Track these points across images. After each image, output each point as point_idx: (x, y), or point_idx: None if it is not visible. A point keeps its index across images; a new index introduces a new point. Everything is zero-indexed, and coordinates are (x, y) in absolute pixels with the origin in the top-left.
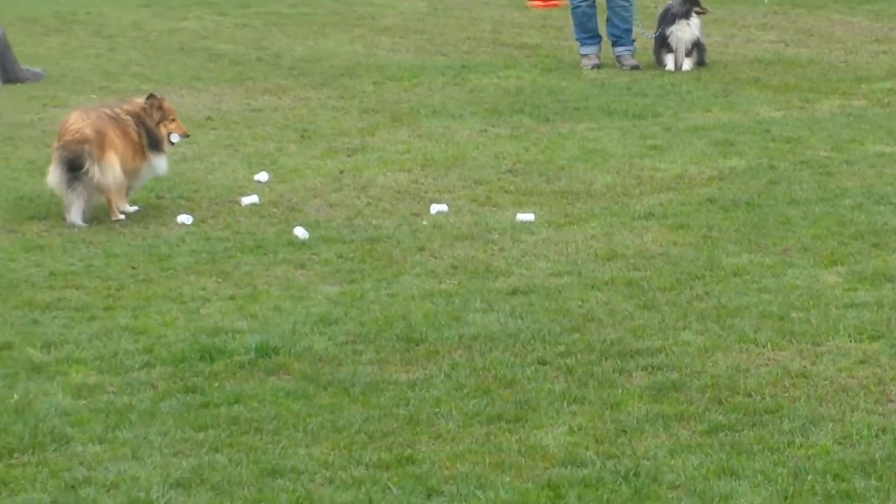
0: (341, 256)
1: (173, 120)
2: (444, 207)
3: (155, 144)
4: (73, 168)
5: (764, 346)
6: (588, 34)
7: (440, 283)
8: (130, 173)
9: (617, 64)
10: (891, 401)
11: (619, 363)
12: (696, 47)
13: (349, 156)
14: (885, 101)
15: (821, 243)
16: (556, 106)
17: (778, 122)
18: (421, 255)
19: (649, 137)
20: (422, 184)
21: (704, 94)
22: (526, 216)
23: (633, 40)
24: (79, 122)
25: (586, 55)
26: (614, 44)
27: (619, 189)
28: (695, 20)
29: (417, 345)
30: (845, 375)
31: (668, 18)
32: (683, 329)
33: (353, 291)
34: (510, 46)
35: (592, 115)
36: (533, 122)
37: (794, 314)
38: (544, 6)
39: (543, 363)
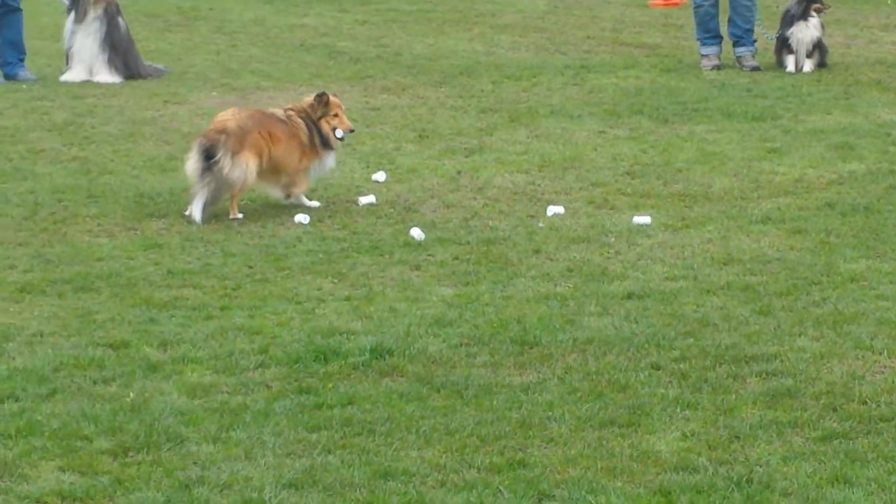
0: (457, 258)
1: (336, 115)
2: (560, 209)
3: (326, 142)
4: (209, 156)
5: (880, 354)
6: (709, 34)
7: (555, 286)
8: (299, 172)
9: (737, 64)
10: None
11: (733, 369)
12: (818, 48)
13: (467, 156)
14: None
15: None
16: (675, 107)
17: None
18: (536, 258)
19: (768, 140)
20: (539, 185)
21: (825, 97)
22: (642, 219)
23: (755, 41)
24: (226, 116)
25: (707, 55)
26: (735, 44)
27: (736, 193)
28: (815, 20)
29: (531, 348)
30: None
31: (787, 19)
32: (799, 335)
33: (467, 293)
34: (630, 46)
35: (711, 117)
36: (651, 123)
37: None
38: (665, 5)
39: (657, 368)
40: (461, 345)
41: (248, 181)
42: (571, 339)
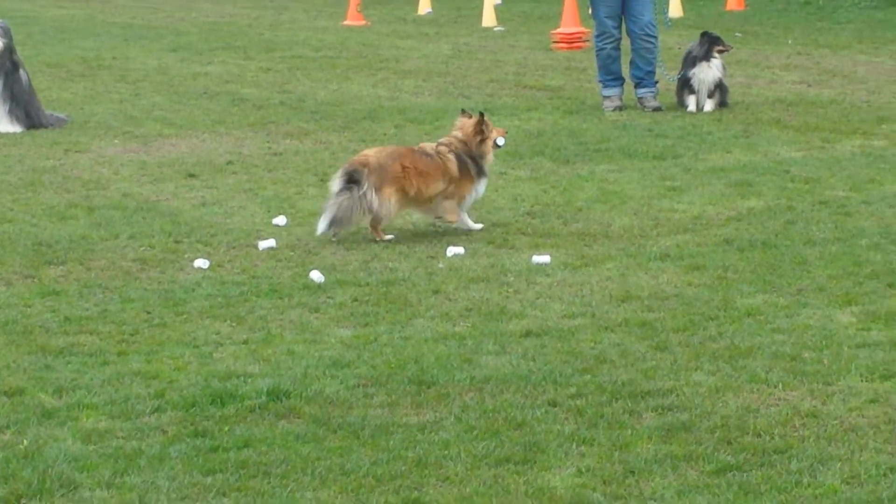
0: (356, 299)
1: (492, 129)
2: (460, 250)
3: (481, 170)
4: (350, 179)
5: (775, 387)
6: (611, 76)
7: (454, 325)
8: (452, 202)
9: (639, 105)
10: None
11: (629, 404)
12: (719, 88)
13: None
14: None
15: (836, 283)
16: (577, 148)
17: (798, 162)
18: (436, 298)
19: (668, 179)
20: (439, 227)
21: (725, 135)
22: (542, 258)
23: (656, 82)
24: (368, 151)
25: (609, 97)
26: (637, 85)
27: (636, 230)
28: (717, 61)
29: (428, 388)
30: (855, 415)
31: (689, 60)
32: (695, 370)
33: (366, 334)
34: (533, 89)
35: (612, 157)
36: (553, 164)
37: (806, 354)
38: (568, 48)
39: (554, 405)
40: (358, 386)
41: (392, 214)
42: (469, 377)
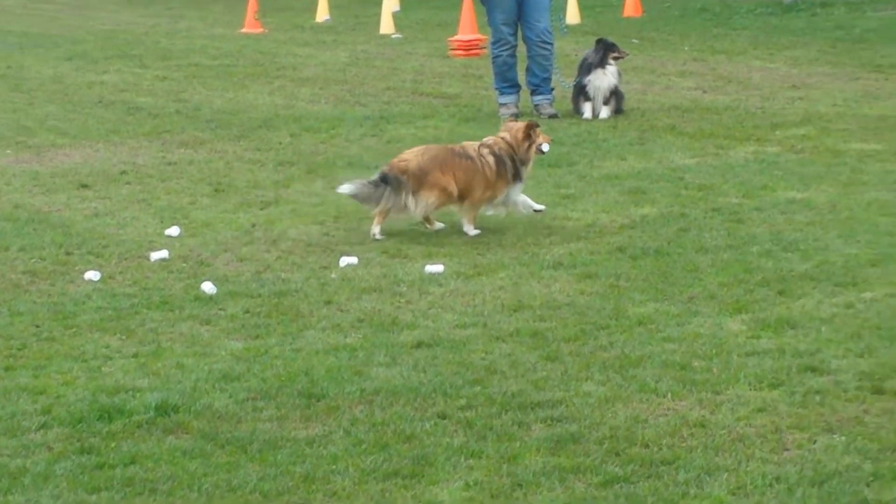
0: (248, 311)
1: (539, 135)
2: (353, 260)
3: (518, 174)
4: (384, 180)
5: (664, 396)
6: (507, 83)
7: (345, 337)
8: (477, 203)
9: (535, 112)
10: (787, 449)
11: (518, 416)
12: (614, 95)
13: (262, 209)
14: (799, 147)
15: (727, 291)
16: None
17: (692, 169)
18: (328, 309)
19: (563, 186)
20: (333, 236)
21: (620, 142)
22: (435, 268)
23: (552, 89)
24: (410, 154)
25: (505, 104)
26: (533, 92)
27: (529, 239)
28: (612, 68)
29: (318, 400)
30: (743, 424)
31: (585, 67)
32: (585, 380)
33: (257, 347)
34: (430, 96)
35: None
36: None
37: (696, 363)
38: (466, 55)
39: (443, 417)
40: (248, 399)
41: (427, 212)
42: (359, 390)
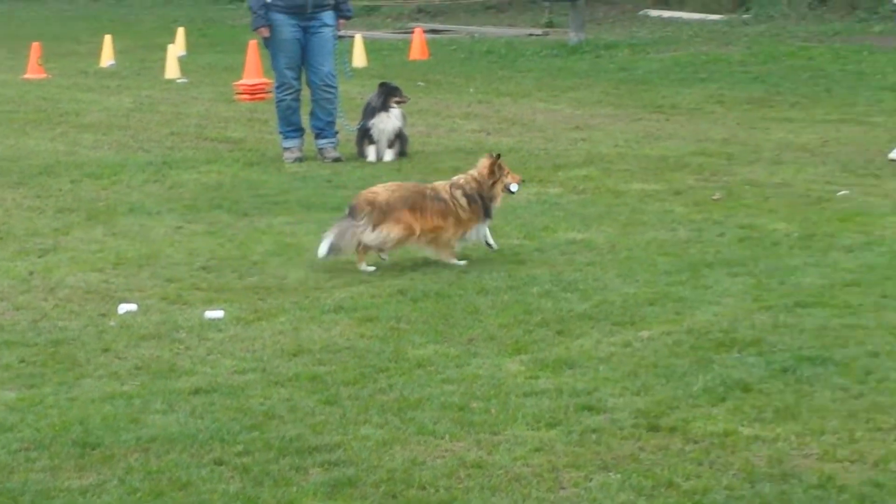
0: (23, 360)
1: (508, 173)
2: (133, 307)
3: (487, 212)
4: (351, 213)
5: (442, 438)
6: (291, 127)
7: (122, 384)
8: (451, 241)
9: (319, 156)
10: (563, 488)
11: (296, 460)
12: (399, 138)
13: (40, 256)
14: (581, 188)
15: (506, 332)
16: (256, 200)
17: None
18: (105, 357)
19: None
20: (112, 283)
21: None
22: (215, 313)
23: (337, 132)
24: (381, 188)
25: (289, 148)
26: (317, 136)
27: (311, 283)
28: (396, 111)
29: (93, 449)
30: (520, 464)
31: (369, 111)
32: (364, 423)
33: (31, 397)
34: (214, 141)
35: (291, 209)
36: (231, 217)
37: (474, 404)
38: (251, 100)
39: (220, 463)
40: (21, 450)
41: (383, 246)
42: (135, 438)
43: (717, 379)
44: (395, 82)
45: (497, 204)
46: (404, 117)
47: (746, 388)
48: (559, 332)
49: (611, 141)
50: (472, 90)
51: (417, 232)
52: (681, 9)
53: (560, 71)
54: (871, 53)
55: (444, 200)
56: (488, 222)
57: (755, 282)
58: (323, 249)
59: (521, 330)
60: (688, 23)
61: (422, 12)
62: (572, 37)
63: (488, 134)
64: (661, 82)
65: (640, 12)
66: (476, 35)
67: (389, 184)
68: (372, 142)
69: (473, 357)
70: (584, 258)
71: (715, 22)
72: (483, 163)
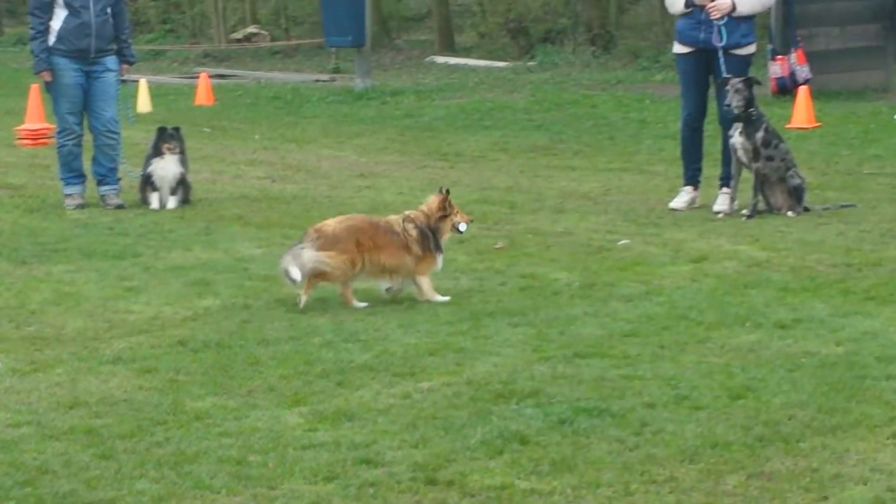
0: None
1: (457, 212)
2: None
3: (438, 245)
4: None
5: (219, 493)
6: (73, 173)
7: None
8: (419, 277)
9: (102, 203)
10: None
11: None
12: (182, 185)
13: None
14: None
15: (286, 383)
16: (35, 248)
17: (258, 259)
18: None
19: (126, 279)
20: None
21: (187, 233)
22: None
23: (119, 179)
24: (331, 220)
25: (70, 195)
26: (99, 183)
27: (90, 333)
28: (176, 157)
29: None
30: None
31: (151, 157)
32: (139, 477)
33: None
34: None
35: (71, 257)
36: (9, 265)
37: (252, 458)
38: (33, 145)
39: None
40: None
41: (316, 270)
42: None
43: (495, 431)
44: (181, 127)
45: (445, 239)
46: (186, 164)
47: (524, 441)
48: (339, 384)
49: (395, 188)
50: (257, 136)
51: (358, 266)
52: (467, 56)
53: (346, 117)
54: (653, 102)
55: (397, 233)
56: (441, 256)
57: (535, 332)
58: (295, 273)
59: (300, 381)
60: (474, 70)
61: (208, 57)
62: (358, 83)
63: (273, 181)
64: (446, 129)
65: (427, 59)
66: (262, 80)
67: (342, 216)
68: (155, 189)
69: (252, 409)
70: (366, 308)
71: (500, 69)
72: (433, 198)
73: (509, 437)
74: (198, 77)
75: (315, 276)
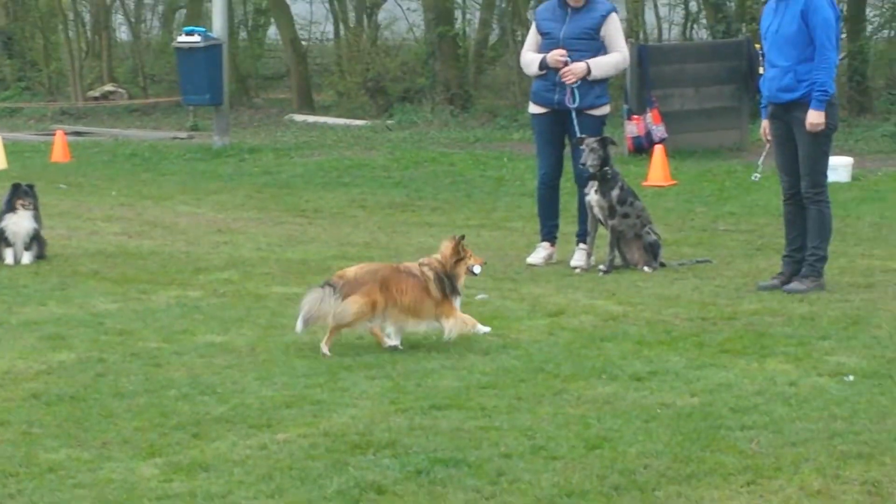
0: None
1: (470, 255)
2: None
3: (455, 289)
4: (307, 323)
5: None
6: None
7: None
8: (446, 318)
9: None
10: None
11: None
12: (36, 240)
13: None
14: (221, 291)
15: (142, 435)
16: None
17: (113, 314)
18: None
19: None
20: None
21: (42, 288)
22: None
23: None
24: (352, 268)
25: None
26: None
27: None
28: (30, 213)
29: None
30: None
31: (4, 213)
32: None
33: None
34: None
35: None
36: None
37: None
38: None
39: None
40: None
41: (345, 320)
42: None
43: (351, 481)
44: (34, 184)
45: (461, 283)
46: (40, 219)
47: (381, 491)
48: (195, 435)
49: (253, 244)
50: (114, 193)
51: (380, 309)
52: (325, 114)
53: (204, 174)
54: (511, 160)
55: (417, 276)
56: (459, 298)
57: (392, 384)
58: (300, 325)
59: (156, 433)
60: (332, 128)
61: (65, 114)
62: (217, 140)
63: (130, 237)
64: (304, 186)
65: (286, 117)
66: (120, 138)
67: (362, 264)
68: (9, 244)
69: (107, 461)
70: (223, 361)
71: (359, 127)
72: (446, 244)
73: (366, 487)
74: (54, 134)
75: (339, 327)
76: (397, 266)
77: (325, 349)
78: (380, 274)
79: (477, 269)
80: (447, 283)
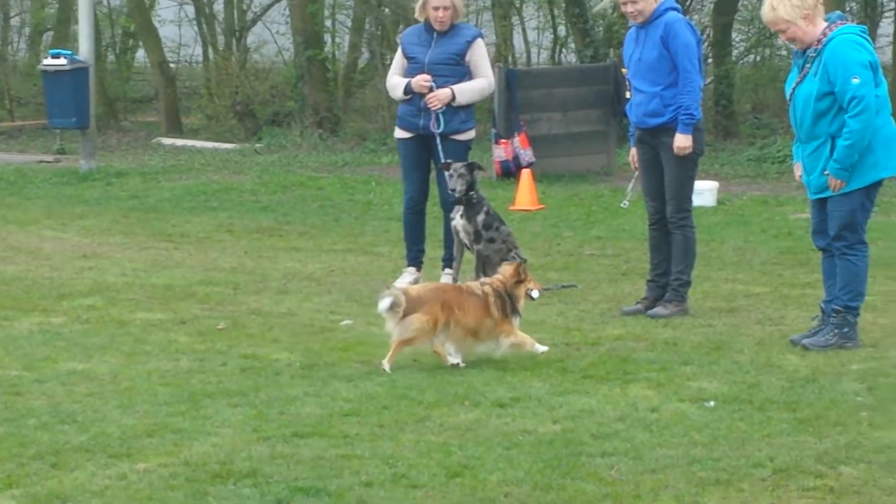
0: None
1: (530, 280)
2: None
3: (515, 309)
4: (392, 304)
5: None
6: None
7: None
8: (505, 336)
9: None
10: None
11: None
12: None
13: None
14: (85, 317)
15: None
16: None
17: None
18: None
19: None
20: None
21: None
22: None
23: None
24: (418, 287)
25: None
26: None
27: None
28: None
29: None
30: None
31: None
32: None
33: None
34: None
35: None
36: None
37: None
38: None
39: None
40: None
41: (405, 336)
42: None
43: None
44: None
45: (521, 304)
46: None
47: None
48: (54, 465)
49: (118, 269)
50: None
51: (440, 326)
52: (194, 137)
53: (70, 198)
54: (379, 184)
55: (478, 296)
56: (518, 319)
57: (255, 412)
58: (385, 304)
59: (14, 464)
60: (200, 151)
61: None
62: (83, 164)
63: None
64: (171, 210)
65: (154, 140)
66: None
67: (426, 283)
68: None
69: None
70: (85, 389)
71: (228, 151)
72: (507, 266)
73: None
74: None
75: (401, 343)
76: (460, 286)
77: (386, 366)
78: (442, 293)
79: (535, 294)
80: (508, 304)
